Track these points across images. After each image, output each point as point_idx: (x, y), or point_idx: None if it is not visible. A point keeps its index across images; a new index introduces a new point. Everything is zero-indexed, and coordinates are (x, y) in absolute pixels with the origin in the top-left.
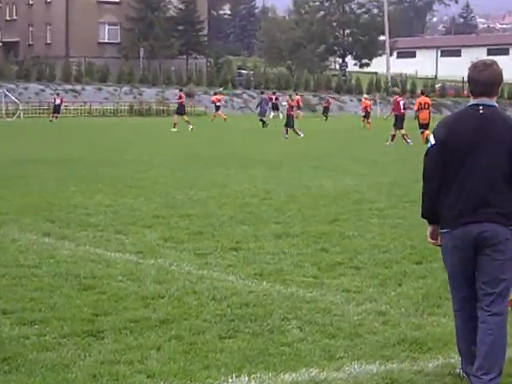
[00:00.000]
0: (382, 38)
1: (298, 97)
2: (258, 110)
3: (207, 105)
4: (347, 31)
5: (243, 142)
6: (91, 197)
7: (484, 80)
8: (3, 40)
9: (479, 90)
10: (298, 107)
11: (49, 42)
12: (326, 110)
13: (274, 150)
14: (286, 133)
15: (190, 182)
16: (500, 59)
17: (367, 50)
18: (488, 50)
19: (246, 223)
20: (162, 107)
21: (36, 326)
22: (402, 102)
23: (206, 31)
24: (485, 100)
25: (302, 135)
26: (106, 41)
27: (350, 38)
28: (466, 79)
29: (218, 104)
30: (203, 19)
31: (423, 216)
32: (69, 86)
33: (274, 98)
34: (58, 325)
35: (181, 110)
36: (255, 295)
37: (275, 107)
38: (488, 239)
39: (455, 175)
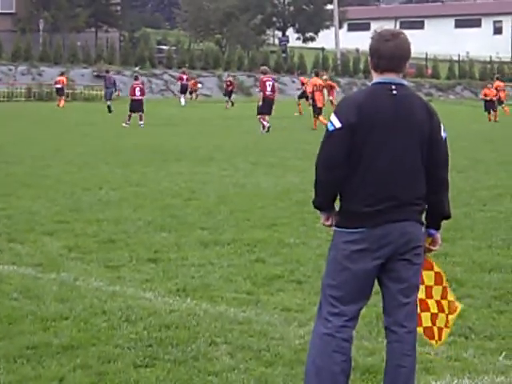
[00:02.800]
0: (329, 7)
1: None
2: (103, 91)
3: (121, 87)
4: None
5: (167, 133)
6: None
7: (391, 52)
8: None
9: (384, 65)
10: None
11: None
12: (229, 93)
13: (203, 143)
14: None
15: (100, 181)
16: (471, 32)
17: (312, 22)
18: (456, 21)
19: (167, 229)
20: (67, 90)
21: None
22: (268, 83)
23: None
24: (393, 77)
25: None
26: None
27: (292, 8)
28: (429, 55)
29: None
30: None
31: (316, 207)
32: None
33: (184, 77)
34: None
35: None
36: (177, 315)
37: (184, 89)
38: (410, 241)
39: (368, 166)
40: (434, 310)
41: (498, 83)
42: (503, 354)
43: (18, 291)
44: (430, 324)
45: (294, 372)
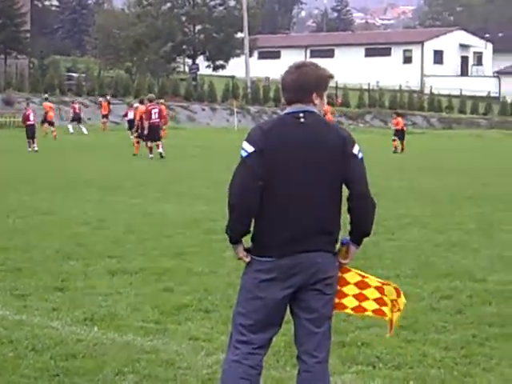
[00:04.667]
0: (239, 35)
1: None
2: None
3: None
4: (198, 27)
5: (74, 161)
6: None
7: (290, 84)
8: None
9: (288, 97)
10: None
11: None
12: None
13: (113, 171)
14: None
15: (7, 209)
16: (381, 60)
17: (222, 50)
18: (366, 49)
19: (74, 257)
20: None
21: None
22: (154, 110)
23: (28, 26)
24: (301, 106)
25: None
26: None
27: (202, 36)
28: (339, 84)
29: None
30: (25, 11)
31: (231, 236)
32: None
33: (76, 107)
34: None
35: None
36: (84, 344)
37: (77, 119)
38: (320, 272)
39: (277, 194)
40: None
41: (398, 120)
42: (410, 383)
43: None
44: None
45: None
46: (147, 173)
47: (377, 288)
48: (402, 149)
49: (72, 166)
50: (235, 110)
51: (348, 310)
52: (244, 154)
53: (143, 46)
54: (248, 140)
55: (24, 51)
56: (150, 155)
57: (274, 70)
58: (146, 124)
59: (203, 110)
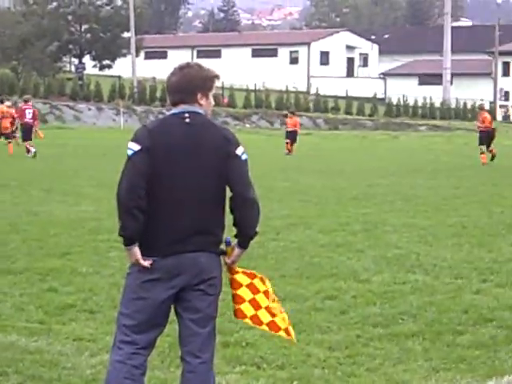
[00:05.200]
0: (126, 35)
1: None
2: None
3: None
4: (85, 26)
5: None
6: None
7: (174, 86)
8: None
9: (173, 98)
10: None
11: None
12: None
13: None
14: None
15: None
16: (267, 61)
17: (109, 50)
18: (253, 50)
19: None
20: None
21: None
22: (28, 111)
23: None
24: (186, 107)
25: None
26: None
27: (89, 35)
28: (225, 84)
29: None
30: None
31: (128, 237)
32: None
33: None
34: None
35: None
36: None
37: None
38: (204, 272)
39: (160, 193)
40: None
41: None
42: (295, 383)
43: None
44: (270, 318)
45: None
46: (32, 172)
47: (264, 292)
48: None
49: None
50: (121, 109)
51: (247, 320)
52: (130, 152)
53: (29, 45)
54: (134, 139)
55: None
56: (28, 154)
57: (160, 70)
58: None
59: (89, 109)
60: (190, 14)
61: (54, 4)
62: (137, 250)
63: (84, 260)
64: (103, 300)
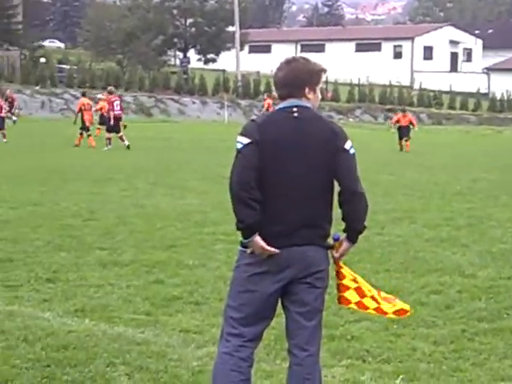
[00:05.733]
0: (231, 29)
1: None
2: None
3: (21, 105)
4: (190, 20)
5: (64, 153)
6: None
7: (282, 80)
8: None
9: (281, 92)
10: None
11: None
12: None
13: (104, 163)
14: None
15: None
16: (371, 56)
17: (213, 44)
18: (357, 45)
19: (66, 249)
20: None
21: None
22: (116, 102)
23: (20, 17)
24: (294, 101)
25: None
26: None
27: (194, 29)
28: (329, 78)
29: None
30: (17, 3)
31: (247, 227)
32: None
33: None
34: None
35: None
36: (75, 336)
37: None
38: (312, 265)
39: (270, 187)
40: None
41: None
42: (400, 377)
43: None
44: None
45: None
46: (138, 165)
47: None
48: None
49: (59, 159)
50: (226, 103)
51: (352, 305)
52: (239, 146)
53: (134, 39)
54: (243, 133)
55: (16, 43)
56: (106, 147)
57: (264, 64)
58: (111, 115)
59: (194, 103)
60: (294, 8)
61: None
62: (258, 238)
63: (190, 252)
64: (209, 292)
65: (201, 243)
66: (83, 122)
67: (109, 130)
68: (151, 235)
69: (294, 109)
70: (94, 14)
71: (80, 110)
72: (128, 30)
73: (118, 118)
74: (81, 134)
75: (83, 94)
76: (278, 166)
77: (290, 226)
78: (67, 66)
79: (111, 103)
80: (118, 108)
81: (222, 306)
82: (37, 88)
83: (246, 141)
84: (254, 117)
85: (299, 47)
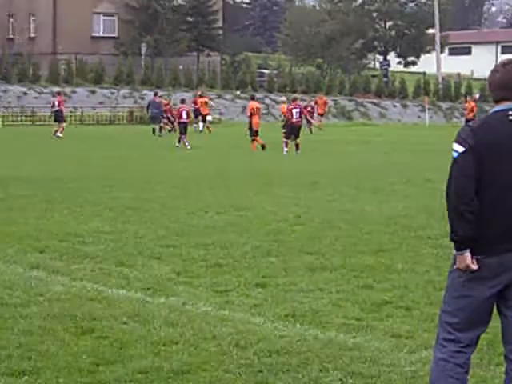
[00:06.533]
0: (431, 31)
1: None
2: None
3: (222, 111)
4: (390, 23)
5: (267, 157)
6: (87, 222)
7: (497, 83)
8: None
9: (496, 95)
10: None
11: (32, 35)
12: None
13: (307, 167)
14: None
15: (205, 205)
16: None
17: (413, 46)
18: None
19: (274, 254)
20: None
21: (25, 378)
22: (295, 110)
23: (220, 23)
24: (510, 104)
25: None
26: (100, 35)
27: (393, 32)
28: None
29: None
30: (217, 9)
31: (460, 241)
32: (56, 89)
33: (199, 101)
34: (51, 376)
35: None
36: (287, 341)
37: (198, 115)
38: None
39: (485, 192)
40: None
41: None
42: None
43: (128, 315)
44: None
45: None
46: (340, 169)
47: None
48: None
49: (260, 163)
50: (426, 106)
51: None
52: (455, 154)
53: (334, 43)
54: (457, 140)
55: (216, 48)
56: (285, 150)
57: (464, 66)
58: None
59: (394, 106)
60: (493, 9)
61: (359, 1)
62: (468, 255)
63: (398, 257)
64: (419, 297)
65: (408, 247)
66: (251, 125)
67: (287, 135)
68: (358, 239)
69: (510, 112)
70: (294, 18)
71: (250, 114)
72: (328, 33)
73: (296, 126)
74: (253, 139)
75: (252, 98)
76: (496, 171)
77: (505, 231)
78: (267, 71)
79: (290, 111)
80: (297, 116)
81: (433, 311)
82: (237, 93)
83: (461, 149)
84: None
85: (499, 48)
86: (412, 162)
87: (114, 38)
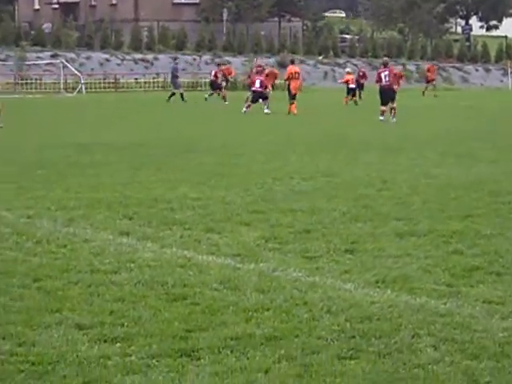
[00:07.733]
0: None
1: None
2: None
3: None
4: None
5: (352, 122)
6: (174, 188)
7: None
8: (61, 0)
9: None
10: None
11: (114, 2)
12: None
13: (392, 133)
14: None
15: (291, 170)
16: None
17: (496, 10)
18: None
19: (362, 219)
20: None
21: (118, 344)
22: (384, 74)
23: None
24: None
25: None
26: (182, 1)
27: None
28: None
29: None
30: None
31: None
32: (139, 56)
33: (221, 71)
34: (144, 343)
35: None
36: (378, 307)
37: (214, 85)
38: None
39: None
40: None
41: None
42: None
43: (218, 282)
44: None
45: (500, 365)
46: (425, 134)
47: None
48: None
49: (344, 129)
50: (509, 70)
51: None
52: None
53: (415, 7)
54: None
55: (298, 14)
56: (393, 119)
57: None
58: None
59: (477, 70)
60: None
61: None
62: None
63: (486, 222)
64: (509, 262)
65: (497, 212)
66: (289, 89)
67: (384, 103)
68: (445, 205)
69: None
70: None
71: (288, 77)
72: None
73: (386, 90)
74: (292, 103)
75: (292, 62)
76: None
77: None
78: (349, 36)
79: (379, 74)
80: (387, 79)
81: None
82: (320, 58)
83: None
84: None
85: None
86: (495, 127)
87: (195, 4)
